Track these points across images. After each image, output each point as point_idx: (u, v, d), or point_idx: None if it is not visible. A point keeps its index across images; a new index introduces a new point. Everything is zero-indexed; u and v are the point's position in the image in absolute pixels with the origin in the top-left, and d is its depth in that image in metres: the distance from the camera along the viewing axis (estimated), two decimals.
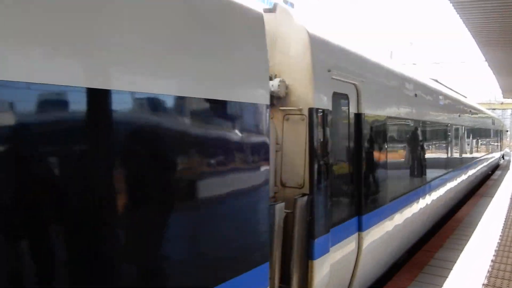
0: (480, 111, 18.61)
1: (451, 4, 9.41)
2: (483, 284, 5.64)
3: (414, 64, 33.66)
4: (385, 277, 6.24)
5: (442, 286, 5.58)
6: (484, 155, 18.68)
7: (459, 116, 12.36)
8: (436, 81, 11.39)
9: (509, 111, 64.14)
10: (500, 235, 8.18)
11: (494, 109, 50.20)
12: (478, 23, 11.83)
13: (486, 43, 13.86)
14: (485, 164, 18.67)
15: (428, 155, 8.59)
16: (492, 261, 6.62)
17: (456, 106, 12.16)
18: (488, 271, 6.14)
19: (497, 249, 7.28)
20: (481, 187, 15.76)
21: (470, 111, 14.86)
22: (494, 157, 23.49)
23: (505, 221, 9.43)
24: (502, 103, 53.86)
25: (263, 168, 3.14)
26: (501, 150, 29.51)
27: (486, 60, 17.05)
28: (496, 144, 25.37)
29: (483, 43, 14.00)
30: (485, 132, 19.75)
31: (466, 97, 16.23)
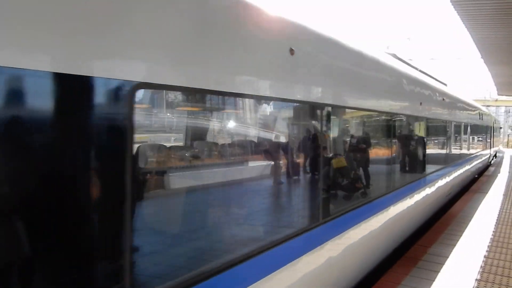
0: (462, 103, 14.38)
1: None
2: (476, 279, 5.70)
3: (411, 59, 33.72)
4: (379, 271, 6.29)
5: (436, 280, 5.64)
6: (465, 158, 14.44)
7: (421, 105, 8.44)
8: (395, 56, 8.19)
9: (503, 108, 64.55)
10: (493, 231, 8.26)
11: (489, 106, 50.49)
12: (468, 4, 11.93)
13: (476, 24, 13.94)
14: (466, 169, 14.43)
15: (345, 165, 5.14)
16: (485, 256, 6.68)
17: (420, 92, 8.53)
18: (481, 267, 6.20)
19: (490, 244, 7.35)
20: (473, 184, 15.84)
21: (444, 100, 10.95)
22: (480, 158, 18.99)
23: (498, 217, 9.52)
24: (496, 100, 54.20)
25: None
26: (491, 149, 24.87)
27: (476, 44, 17.14)
28: (484, 142, 21.27)
29: (472, 24, 14.07)
30: (467, 129, 15.33)
31: (445, 85, 12.89)
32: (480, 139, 20.07)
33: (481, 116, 19.28)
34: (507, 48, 16.53)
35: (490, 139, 24.08)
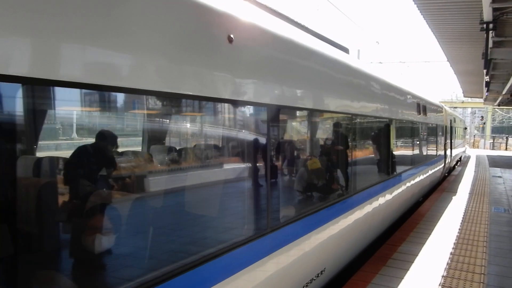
0: (379, 84, 7.89)
1: None
2: (443, 276, 5.88)
3: (381, 63, 34.50)
4: (349, 271, 6.39)
5: (405, 278, 5.78)
6: (378, 186, 7.57)
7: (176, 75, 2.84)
8: None
9: (469, 110, 66.83)
10: (459, 229, 8.54)
11: (456, 107, 52.20)
12: (433, 8, 12.35)
13: (442, 27, 14.44)
14: (386, 200, 7.93)
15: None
16: (451, 253, 6.90)
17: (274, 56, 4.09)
18: (448, 263, 6.40)
19: (456, 242, 7.59)
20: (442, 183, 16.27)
21: (341, 80, 5.95)
22: (424, 173, 12.35)
23: (464, 215, 9.85)
24: (463, 102, 56.08)
25: None
26: (448, 153, 18.40)
27: (442, 48, 17.69)
28: (431, 150, 14.15)
29: (438, 28, 14.56)
30: (388, 130, 8.48)
31: (347, 51, 6.97)
32: (427, 144, 13.26)
33: (423, 111, 11.97)
34: (472, 51, 17.16)
35: (446, 142, 17.50)
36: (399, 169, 9.18)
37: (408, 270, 6.11)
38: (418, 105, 11.49)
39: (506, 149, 48.64)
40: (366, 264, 6.36)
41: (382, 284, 5.58)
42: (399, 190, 9.17)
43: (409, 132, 10.91)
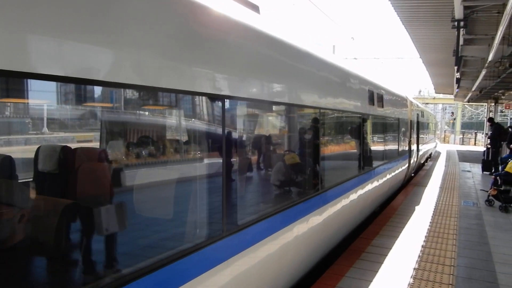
0: (317, 64, 5.86)
1: None
2: (414, 268, 6.00)
3: (355, 58, 34.89)
4: (324, 264, 6.44)
5: (378, 272, 5.86)
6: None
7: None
8: None
9: (440, 106, 68.54)
10: (430, 222, 8.74)
11: (427, 103, 53.43)
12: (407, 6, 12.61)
13: (414, 25, 14.73)
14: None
15: None
16: (422, 246, 7.05)
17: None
18: (419, 256, 6.53)
19: (427, 235, 7.77)
20: (413, 179, 16.62)
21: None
22: (381, 177, 10.01)
23: (435, 209, 10.09)
24: (434, 98, 57.48)
25: None
26: (412, 153, 15.64)
27: (414, 45, 18.03)
28: (392, 148, 11.71)
29: (411, 25, 14.84)
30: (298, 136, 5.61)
31: (257, 9, 4.92)
32: (371, 145, 9.49)
33: (378, 101, 9.47)
34: (443, 48, 17.56)
35: (410, 140, 15.21)
36: (334, 178, 6.64)
37: (381, 263, 6.20)
38: (371, 93, 8.89)
39: (475, 144, 50.16)
40: (341, 258, 6.42)
41: (356, 277, 5.65)
42: (336, 208, 6.53)
43: (356, 128, 8.10)
